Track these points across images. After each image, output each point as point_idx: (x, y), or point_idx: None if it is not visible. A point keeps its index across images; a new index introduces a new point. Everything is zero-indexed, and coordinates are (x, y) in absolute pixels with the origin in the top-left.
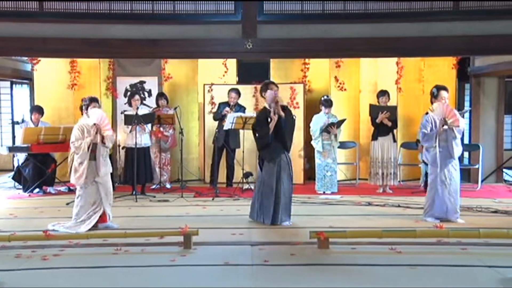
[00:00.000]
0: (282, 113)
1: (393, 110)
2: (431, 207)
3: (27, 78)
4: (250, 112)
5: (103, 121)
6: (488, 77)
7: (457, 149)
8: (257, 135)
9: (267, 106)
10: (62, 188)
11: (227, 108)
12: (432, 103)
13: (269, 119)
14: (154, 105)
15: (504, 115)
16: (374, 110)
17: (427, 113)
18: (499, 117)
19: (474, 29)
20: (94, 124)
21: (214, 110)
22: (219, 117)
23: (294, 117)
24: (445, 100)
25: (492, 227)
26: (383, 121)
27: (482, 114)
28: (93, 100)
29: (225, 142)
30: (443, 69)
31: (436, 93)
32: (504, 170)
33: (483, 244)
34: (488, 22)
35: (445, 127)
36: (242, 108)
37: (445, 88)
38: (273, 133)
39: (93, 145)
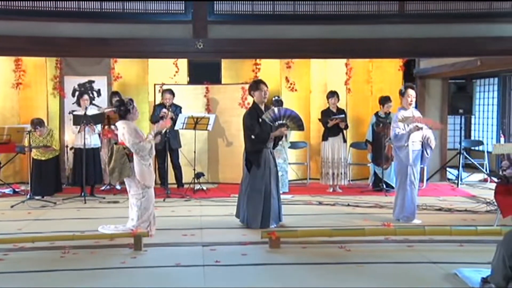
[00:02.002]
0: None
1: (343, 120)
2: (401, 208)
3: None
4: (202, 113)
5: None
6: (432, 78)
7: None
8: (253, 136)
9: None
10: (7, 190)
11: (164, 110)
12: (381, 104)
13: (260, 120)
14: (105, 105)
15: (448, 115)
16: (324, 120)
17: (376, 114)
18: (443, 118)
19: (418, 32)
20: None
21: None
22: (157, 119)
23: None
24: (411, 98)
25: (437, 225)
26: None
27: (427, 114)
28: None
29: (166, 143)
30: (390, 70)
31: (403, 91)
32: (447, 169)
33: (428, 241)
34: (432, 25)
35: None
36: (178, 108)
37: (412, 87)
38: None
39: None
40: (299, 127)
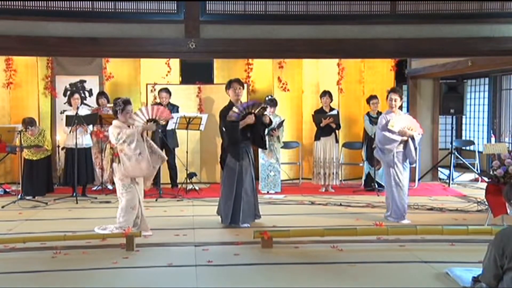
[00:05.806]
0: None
1: (335, 118)
2: (390, 209)
3: None
4: (194, 112)
5: (158, 111)
6: (424, 78)
7: (414, 152)
8: (224, 129)
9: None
10: None
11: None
12: (368, 104)
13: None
14: (95, 105)
15: (439, 115)
16: (317, 119)
17: (367, 114)
18: (434, 117)
19: (410, 32)
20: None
21: None
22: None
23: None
24: (393, 102)
25: (428, 224)
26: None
27: (418, 114)
28: (128, 103)
29: (163, 143)
30: (382, 70)
31: (387, 94)
32: (439, 168)
33: (419, 241)
34: (423, 26)
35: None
36: (175, 107)
37: (394, 91)
38: (241, 134)
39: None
40: (263, 108)
